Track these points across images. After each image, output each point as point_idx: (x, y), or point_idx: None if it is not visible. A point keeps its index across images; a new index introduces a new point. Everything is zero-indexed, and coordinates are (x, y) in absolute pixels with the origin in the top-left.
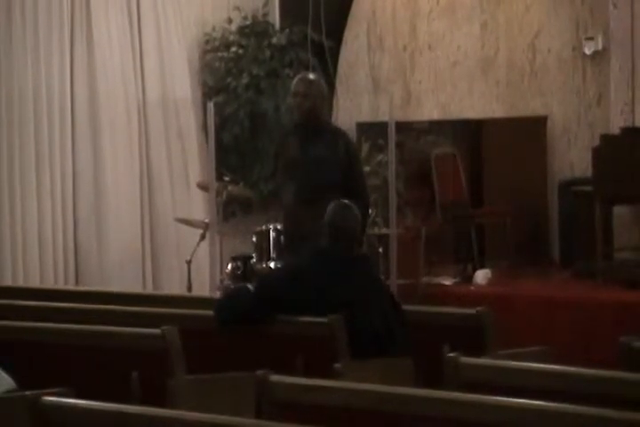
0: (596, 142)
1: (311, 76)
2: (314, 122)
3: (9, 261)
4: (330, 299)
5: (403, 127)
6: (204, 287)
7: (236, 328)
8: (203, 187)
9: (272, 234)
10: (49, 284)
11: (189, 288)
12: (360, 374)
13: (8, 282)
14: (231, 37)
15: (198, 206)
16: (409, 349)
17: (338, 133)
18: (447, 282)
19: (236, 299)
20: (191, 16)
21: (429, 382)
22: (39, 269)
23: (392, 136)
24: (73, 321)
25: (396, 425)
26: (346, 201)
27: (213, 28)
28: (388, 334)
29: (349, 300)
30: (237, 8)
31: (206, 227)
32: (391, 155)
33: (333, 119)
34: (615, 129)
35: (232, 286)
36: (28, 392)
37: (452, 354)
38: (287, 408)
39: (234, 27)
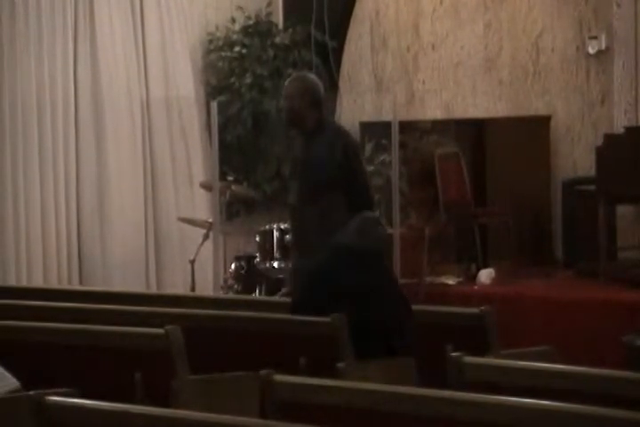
0: (600, 142)
1: (294, 76)
2: (301, 122)
3: (12, 261)
4: (345, 295)
5: (406, 127)
6: (207, 287)
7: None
8: (206, 186)
9: (275, 234)
10: (52, 284)
11: (193, 288)
12: (363, 373)
13: (12, 282)
14: (234, 37)
15: (202, 206)
16: (416, 348)
17: (338, 133)
18: (450, 281)
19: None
20: (194, 16)
21: (432, 381)
22: (42, 269)
23: (395, 136)
24: (76, 321)
25: (398, 425)
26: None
27: (217, 28)
28: (398, 332)
29: (360, 295)
30: (240, 8)
31: (210, 226)
32: (394, 154)
33: (336, 119)
34: (619, 128)
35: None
36: (31, 392)
37: (455, 354)
38: (291, 408)
39: (237, 26)
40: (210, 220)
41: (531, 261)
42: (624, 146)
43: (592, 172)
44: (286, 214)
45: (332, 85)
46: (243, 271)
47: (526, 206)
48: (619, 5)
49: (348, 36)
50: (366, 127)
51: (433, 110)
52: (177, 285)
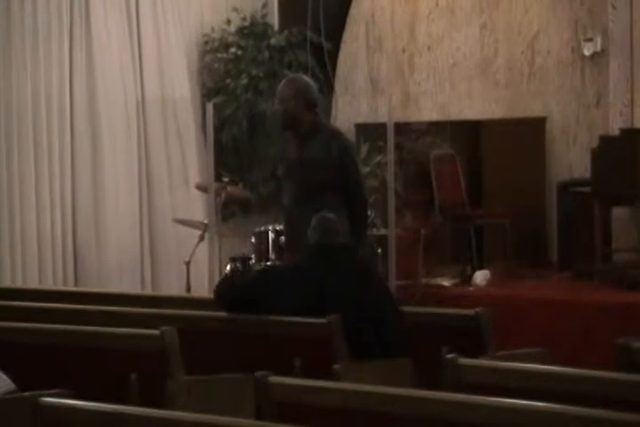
0: (595, 143)
1: (287, 78)
2: (295, 124)
3: (8, 262)
4: (324, 299)
5: (401, 128)
6: (202, 288)
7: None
8: (202, 188)
9: (271, 235)
10: (48, 285)
11: (188, 289)
12: (359, 375)
13: (7, 283)
14: (230, 38)
15: (197, 207)
16: (407, 349)
17: (333, 135)
18: (446, 283)
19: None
20: (190, 17)
21: (428, 383)
22: (38, 270)
23: (391, 137)
24: (72, 322)
25: (394, 426)
26: (328, 215)
27: (212, 30)
28: (385, 333)
29: (341, 298)
30: (236, 9)
31: (205, 228)
32: (390, 156)
33: (332, 120)
34: (614, 130)
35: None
36: (26, 393)
37: (450, 355)
38: (286, 409)
39: (233, 28)
40: (205, 221)
41: (526, 262)
42: (619, 148)
43: (587, 173)
44: (282, 216)
45: (328, 87)
46: (238, 273)
47: (521, 208)
48: (614, 7)
49: (344, 38)
50: (362, 129)
51: (428, 112)
52: (172, 286)
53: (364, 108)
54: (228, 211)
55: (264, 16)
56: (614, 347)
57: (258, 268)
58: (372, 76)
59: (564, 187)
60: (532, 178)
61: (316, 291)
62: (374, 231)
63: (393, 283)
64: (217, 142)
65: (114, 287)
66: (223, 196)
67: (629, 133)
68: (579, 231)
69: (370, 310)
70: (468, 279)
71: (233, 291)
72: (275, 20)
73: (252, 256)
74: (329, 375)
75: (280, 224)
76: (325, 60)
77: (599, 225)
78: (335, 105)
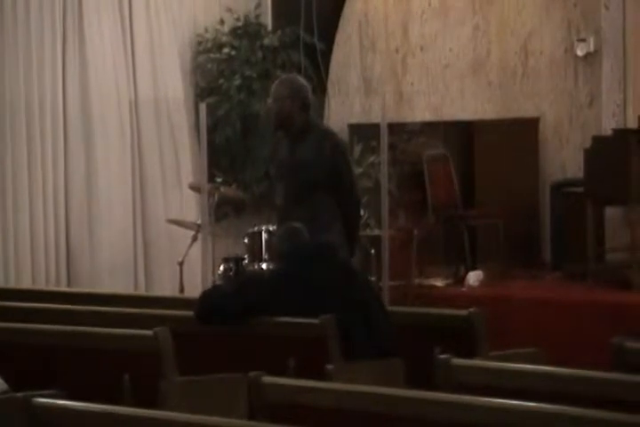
0: (588, 144)
1: (282, 78)
2: (289, 124)
3: (1, 262)
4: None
5: (395, 129)
6: (195, 289)
7: (221, 327)
8: (195, 188)
9: (264, 235)
10: (41, 285)
11: (181, 290)
12: (352, 375)
13: (0, 283)
14: (223, 39)
15: (190, 208)
16: (395, 349)
17: (325, 135)
18: (439, 283)
19: (214, 294)
20: (183, 17)
21: (421, 383)
22: (31, 270)
23: (384, 138)
24: (65, 323)
25: (387, 426)
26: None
27: (205, 30)
28: (376, 334)
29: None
30: (229, 9)
31: (198, 228)
32: (383, 156)
33: (325, 120)
34: (607, 130)
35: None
36: (19, 394)
37: (443, 355)
38: (279, 410)
39: (226, 28)
40: (198, 221)
41: (519, 262)
42: (612, 148)
43: (580, 174)
44: (275, 216)
45: (321, 87)
46: (231, 273)
47: (515, 208)
48: (607, 8)
49: (337, 38)
50: (355, 129)
51: (421, 112)
52: (165, 286)
53: (357, 108)
54: (222, 211)
55: (257, 16)
56: (608, 347)
57: (246, 273)
58: (365, 76)
59: (557, 187)
60: (525, 178)
61: (302, 292)
62: (368, 232)
63: (386, 283)
64: (210, 143)
65: (107, 288)
66: (216, 196)
67: (622, 134)
68: (572, 231)
69: (358, 310)
70: (461, 280)
71: (223, 299)
72: (268, 20)
73: (246, 257)
74: (322, 376)
75: (273, 225)
76: (318, 61)
77: (592, 225)
78: (328, 105)
